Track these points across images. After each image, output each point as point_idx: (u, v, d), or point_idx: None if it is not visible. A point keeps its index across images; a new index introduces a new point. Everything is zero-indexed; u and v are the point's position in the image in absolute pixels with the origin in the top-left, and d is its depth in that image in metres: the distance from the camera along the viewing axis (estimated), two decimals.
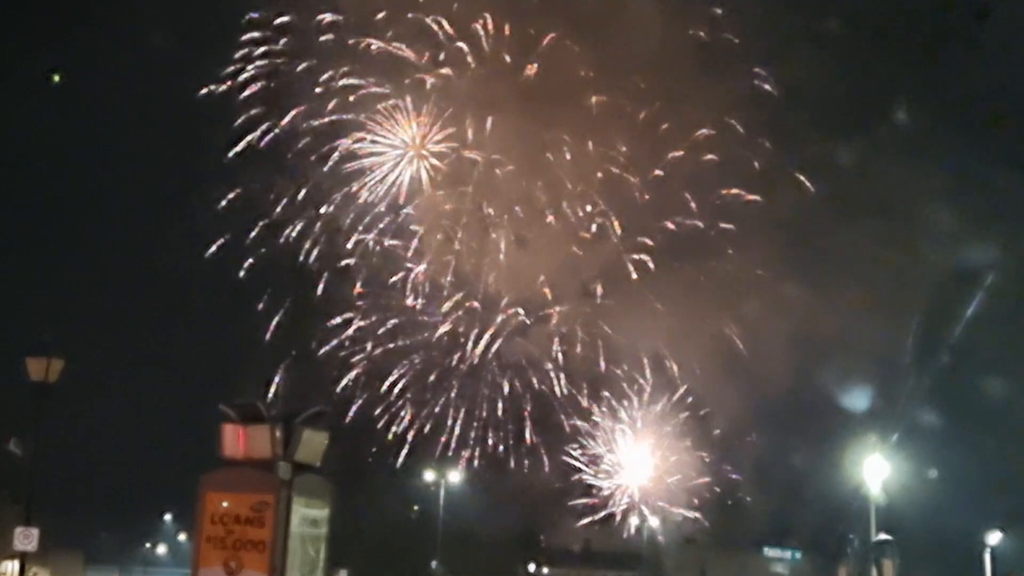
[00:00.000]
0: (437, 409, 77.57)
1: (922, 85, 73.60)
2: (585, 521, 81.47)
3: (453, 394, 77.51)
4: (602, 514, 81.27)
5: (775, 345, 70.86)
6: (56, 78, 71.68)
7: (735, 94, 72.43)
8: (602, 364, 78.28)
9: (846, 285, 70.39)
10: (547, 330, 77.70)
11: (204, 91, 74.66)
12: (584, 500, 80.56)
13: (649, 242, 76.80)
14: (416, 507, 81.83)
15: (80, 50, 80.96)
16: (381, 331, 77.12)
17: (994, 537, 55.51)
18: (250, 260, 74.61)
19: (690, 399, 78.71)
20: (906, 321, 68.38)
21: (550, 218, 76.95)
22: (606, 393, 79.27)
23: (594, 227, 77.49)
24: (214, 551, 17.94)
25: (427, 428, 76.89)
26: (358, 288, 76.37)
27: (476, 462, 77.86)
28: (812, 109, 72.12)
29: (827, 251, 72.76)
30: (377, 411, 75.82)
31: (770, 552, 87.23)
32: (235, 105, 74.53)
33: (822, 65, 69.48)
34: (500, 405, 77.63)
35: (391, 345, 77.28)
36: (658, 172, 75.48)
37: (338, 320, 76.24)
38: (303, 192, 75.48)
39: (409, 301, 77.17)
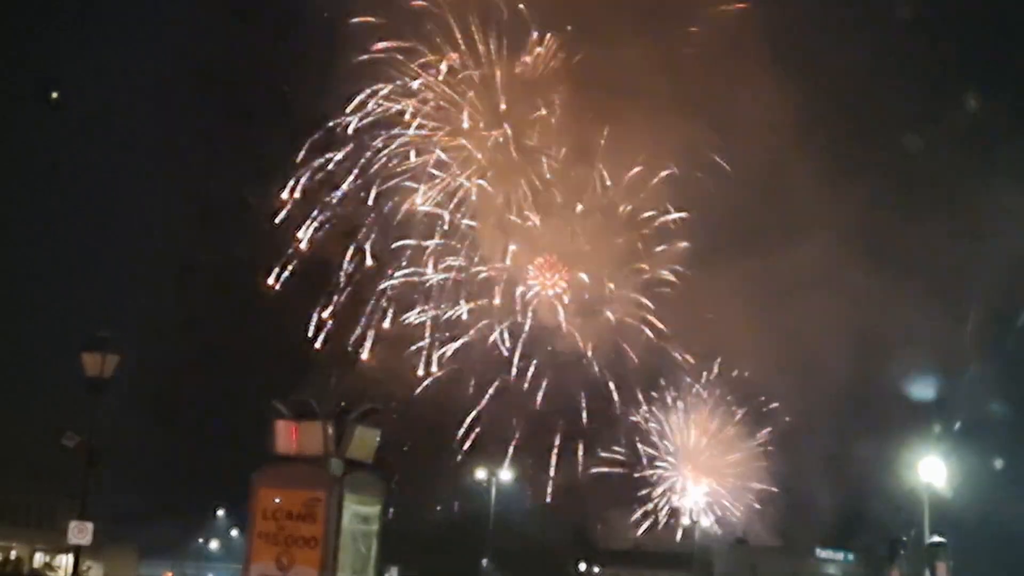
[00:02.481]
0: (490, 405, 77.50)
1: (988, 73, 72.94)
2: (637, 520, 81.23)
3: (505, 389, 77.36)
4: (654, 513, 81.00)
5: (836, 339, 70.24)
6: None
7: (796, 86, 71.92)
8: (659, 359, 77.86)
9: (908, 276, 69.84)
10: (603, 323, 77.25)
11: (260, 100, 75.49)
12: (636, 498, 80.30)
13: (707, 235, 76.43)
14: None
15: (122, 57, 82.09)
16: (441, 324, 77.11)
17: None
18: (291, 265, 75.32)
19: (749, 396, 78.27)
20: (969, 310, 67.82)
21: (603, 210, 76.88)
22: (662, 388, 78.88)
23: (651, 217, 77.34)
24: (266, 546, 17.99)
25: (481, 424, 76.83)
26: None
27: (527, 459, 77.71)
28: (877, 100, 71.55)
29: (890, 243, 72.19)
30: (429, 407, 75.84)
31: (823, 553, 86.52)
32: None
33: (886, 56, 68.91)
34: (552, 399, 77.38)
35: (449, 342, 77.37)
36: (718, 164, 75.23)
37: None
38: (364, 191, 75.77)
39: (465, 296, 77.20)
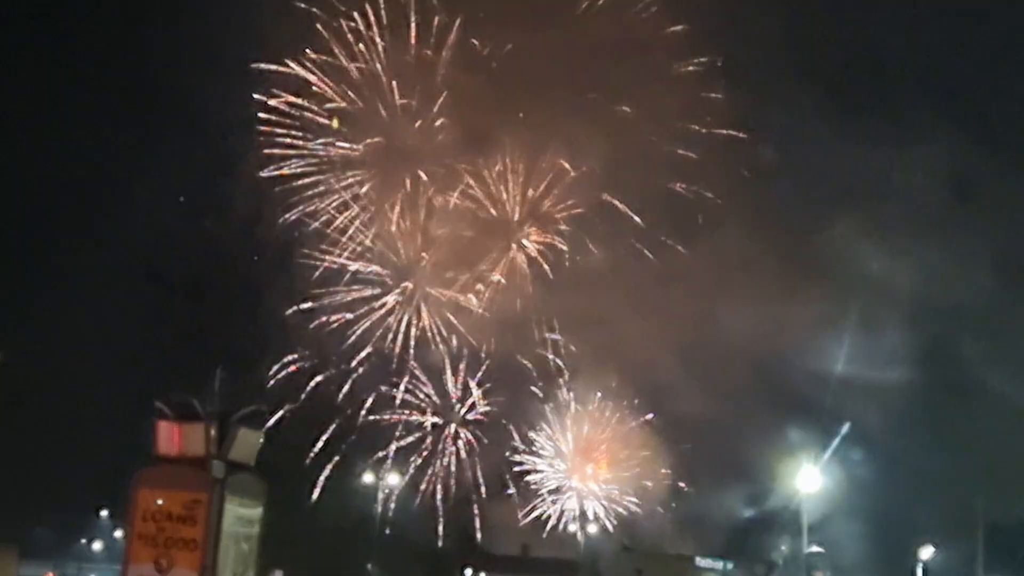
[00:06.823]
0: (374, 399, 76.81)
1: None
2: (525, 524, 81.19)
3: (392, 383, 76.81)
4: (542, 517, 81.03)
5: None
6: None
7: None
8: (550, 354, 77.38)
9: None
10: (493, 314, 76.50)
11: None
12: (524, 501, 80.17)
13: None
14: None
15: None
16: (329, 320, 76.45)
17: (926, 552, 55.68)
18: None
19: (640, 395, 78.08)
20: None
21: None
22: (552, 383, 78.45)
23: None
24: (145, 548, 17.93)
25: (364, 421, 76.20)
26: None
27: (414, 460, 77.27)
28: None
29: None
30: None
31: (703, 562, 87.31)
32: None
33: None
34: (440, 394, 77.04)
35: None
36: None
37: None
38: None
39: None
